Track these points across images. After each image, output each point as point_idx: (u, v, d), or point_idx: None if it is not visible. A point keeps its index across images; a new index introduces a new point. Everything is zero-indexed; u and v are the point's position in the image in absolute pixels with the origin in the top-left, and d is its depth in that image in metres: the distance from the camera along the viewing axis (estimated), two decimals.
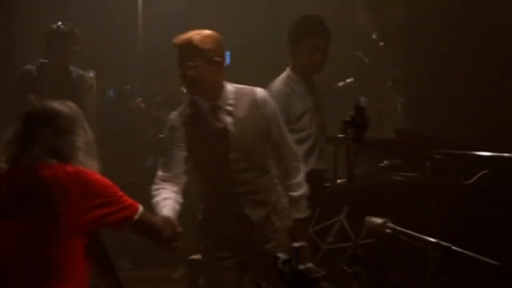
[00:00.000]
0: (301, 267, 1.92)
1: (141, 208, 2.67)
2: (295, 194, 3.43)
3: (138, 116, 6.01)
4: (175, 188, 3.24)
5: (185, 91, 4.43)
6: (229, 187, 3.29)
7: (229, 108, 3.29)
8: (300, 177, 3.46)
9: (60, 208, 2.48)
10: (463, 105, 4.50)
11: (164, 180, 3.27)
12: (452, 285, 2.77)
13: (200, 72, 3.21)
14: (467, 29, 4.51)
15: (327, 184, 4.14)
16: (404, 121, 4.98)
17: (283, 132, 3.44)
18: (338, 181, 4.12)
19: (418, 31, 4.97)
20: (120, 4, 6.35)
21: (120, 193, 2.63)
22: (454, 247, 2.68)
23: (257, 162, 3.34)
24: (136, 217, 2.63)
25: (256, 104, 3.32)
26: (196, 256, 3.73)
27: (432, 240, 2.73)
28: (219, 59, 3.24)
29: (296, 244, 1.94)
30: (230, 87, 3.33)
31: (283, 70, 4.23)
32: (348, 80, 5.04)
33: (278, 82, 4.12)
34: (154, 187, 3.26)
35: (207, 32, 3.26)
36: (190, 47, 3.20)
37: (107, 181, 2.62)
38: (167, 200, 3.16)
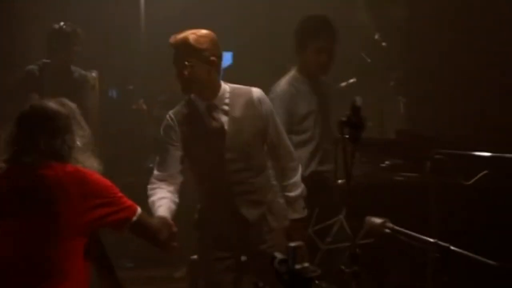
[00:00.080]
0: (298, 266, 1.93)
1: (139, 210, 2.69)
2: (292, 194, 3.44)
3: (140, 117, 6.02)
4: (171, 188, 3.25)
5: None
6: (225, 186, 3.30)
7: (226, 107, 3.29)
8: (297, 177, 3.47)
9: (60, 208, 2.49)
10: (463, 105, 4.49)
11: (160, 179, 3.27)
12: (451, 285, 2.77)
13: (196, 72, 3.21)
14: (467, 29, 4.51)
15: (328, 185, 4.13)
16: (406, 121, 4.98)
17: (279, 132, 3.44)
18: (339, 181, 4.12)
19: (418, 31, 4.96)
20: (122, 4, 6.35)
21: (120, 194, 2.65)
22: (452, 247, 2.68)
23: (254, 162, 3.34)
24: (134, 218, 2.65)
25: (252, 104, 3.33)
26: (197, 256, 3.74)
27: (431, 240, 2.74)
28: (215, 58, 3.24)
29: (292, 244, 1.95)
30: (226, 86, 3.34)
31: (284, 70, 4.23)
32: (351, 81, 5.04)
33: (283, 82, 4.11)
34: (150, 186, 3.27)
35: (203, 31, 3.26)
36: (186, 47, 3.20)
37: (107, 182, 2.63)
38: (163, 199, 3.16)
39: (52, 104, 2.64)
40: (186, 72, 3.21)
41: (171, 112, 3.36)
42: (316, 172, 4.09)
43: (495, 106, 4.32)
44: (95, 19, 5.89)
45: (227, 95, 3.31)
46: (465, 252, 2.67)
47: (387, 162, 4.19)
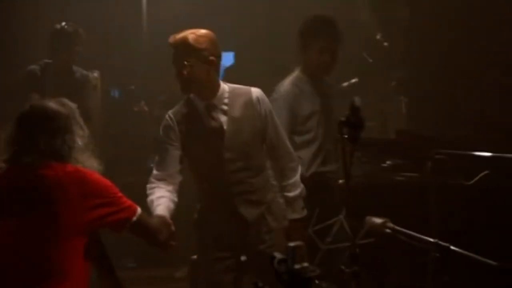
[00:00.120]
0: (297, 266, 1.93)
1: (139, 210, 2.69)
2: (291, 194, 3.44)
3: (142, 118, 6.03)
4: (170, 187, 3.25)
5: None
6: (224, 186, 3.30)
7: (225, 107, 3.30)
8: (296, 177, 3.47)
9: (60, 208, 2.49)
10: (464, 105, 4.49)
11: (159, 179, 3.27)
12: (451, 285, 2.77)
13: (195, 71, 3.21)
14: (467, 29, 4.50)
15: (330, 186, 4.13)
16: (408, 121, 4.98)
17: (279, 133, 3.44)
18: (340, 181, 4.12)
19: (419, 31, 4.95)
20: (122, 4, 6.35)
21: (120, 194, 2.65)
22: (452, 247, 2.68)
23: (253, 162, 3.34)
24: (134, 218, 2.65)
25: (251, 104, 3.33)
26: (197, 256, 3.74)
27: (431, 240, 2.73)
28: (214, 58, 3.24)
29: (291, 244, 1.95)
30: (225, 86, 3.34)
31: (284, 70, 4.22)
32: (353, 81, 5.04)
33: (287, 82, 4.09)
34: (149, 186, 3.28)
35: (202, 31, 3.26)
36: (185, 47, 3.20)
37: (107, 182, 2.63)
38: (161, 198, 3.16)
39: (52, 104, 2.64)
40: (185, 72, 3.21)
41: (170, 112, 3.36)
42: (318, 173, 4.08)
43: (495, 106, 4.32)
44: (95, 19, 5.89)
45: (226, 95, 3.31)
46: (465, 252, 2.66)
47: (387, 162, 4.19)
